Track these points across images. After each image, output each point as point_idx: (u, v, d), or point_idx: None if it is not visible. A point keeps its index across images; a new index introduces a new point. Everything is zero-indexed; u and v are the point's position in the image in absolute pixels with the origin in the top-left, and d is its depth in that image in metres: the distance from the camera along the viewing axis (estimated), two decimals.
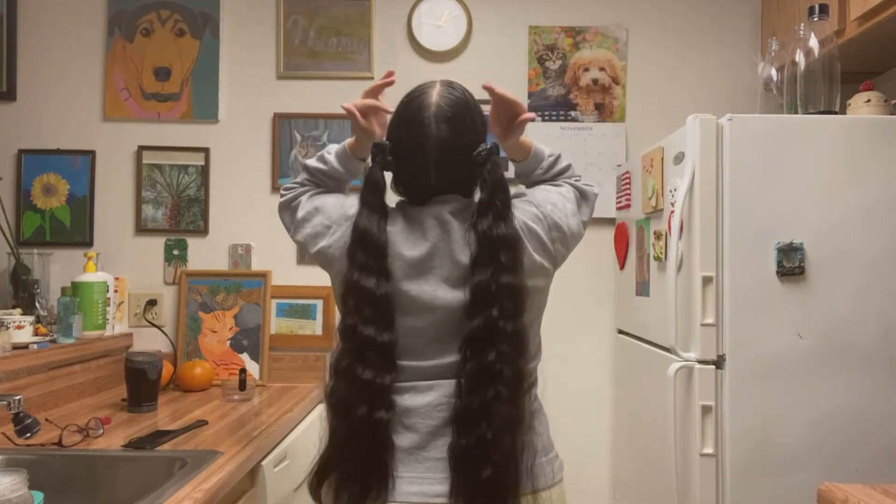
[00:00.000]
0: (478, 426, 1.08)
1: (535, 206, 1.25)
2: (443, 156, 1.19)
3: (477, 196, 1.20)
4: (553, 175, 1.35)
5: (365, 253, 1.15)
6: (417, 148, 1.19)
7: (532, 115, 1.31)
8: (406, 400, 1.15)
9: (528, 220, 1.22)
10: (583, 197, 1.33)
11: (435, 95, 1.21)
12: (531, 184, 1.37)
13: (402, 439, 1.14)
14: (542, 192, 1.30)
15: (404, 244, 1.17)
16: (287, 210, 1.31)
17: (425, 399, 1.15)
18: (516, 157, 1.35)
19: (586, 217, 1.33)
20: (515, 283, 1.13)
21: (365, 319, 1.13)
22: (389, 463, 1.11)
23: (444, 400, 1.14)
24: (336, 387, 1.14)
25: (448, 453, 1.11)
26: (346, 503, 1.10)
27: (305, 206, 1.28)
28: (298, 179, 1.33)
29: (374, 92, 1.30)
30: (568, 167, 1.37)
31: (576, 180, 1.35)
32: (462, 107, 1.21)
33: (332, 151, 1.32)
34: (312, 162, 1.32)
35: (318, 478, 1.15)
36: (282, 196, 1.33)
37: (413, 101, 1.22)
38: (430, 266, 1.17)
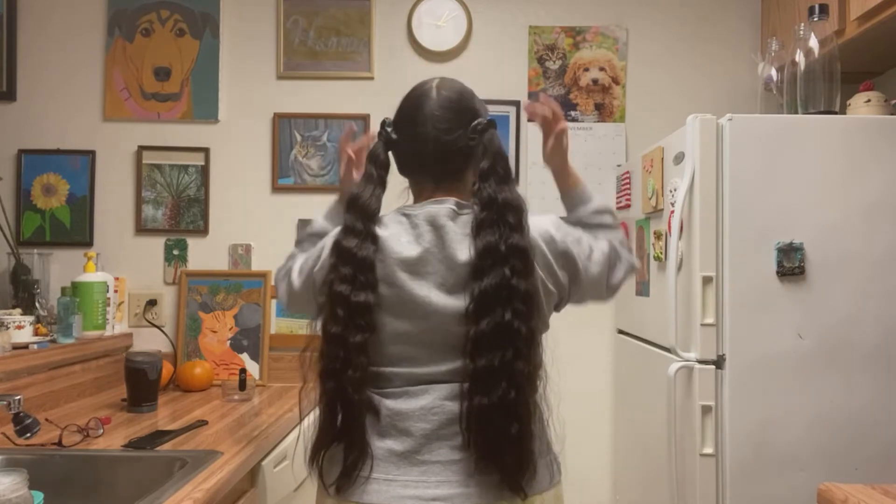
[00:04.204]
0: (498, 385, 1.08)
1: (553, 228, 1.21)
2: (441, 150, 1.20)
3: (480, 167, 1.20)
4: (595, 224, 1.30)
5: (354, 218, 1.17)
6: (418, 143, 1.21)
7: (563, 124, 1.31)
8: (399, 404, 1.15)
9: (536, 234, 1.19)
10: (617, 256, 1.27)
11: (433, 91, 1.22)
12: (572, 220, 1.32)
13: (397, 443, 1.13)
14: (573, 227, 1.27)
15: (397, 244, 1.17)
16: (284, 278, 1.32)
17: (419, 403, 1.14)
18: (561, 183, 1.34)
19: (616, 280, 1.26)
20: (523, 245, 1.12)
21: (343, 278, 1.13)
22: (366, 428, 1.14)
23: (438, 403, 1.13)
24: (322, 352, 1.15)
25: (465, 414, 1.10)
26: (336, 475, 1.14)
27: (298, 259, 1.31)
28: (290, 254, 1.36)
29: (346, 142, 1.36)
30: (614, 227, 1.31)
31: (620, 242, 1.30)
32: (458, 100, 1.23)
33: (318, 220, 1.36)
34: (303, 235, 1.36)
35: (314, 450, 1.17)
36: (275, 276, 1.36)
37: (412, 98, 1.24)
38: (423, 271, 1.15)
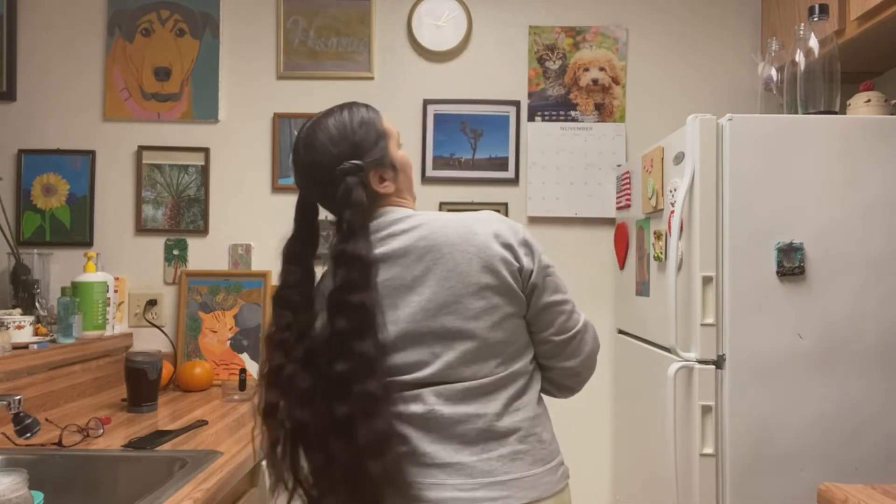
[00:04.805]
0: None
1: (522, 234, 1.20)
2: (307, 179, 1.21)
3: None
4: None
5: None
6: (296, 174, 1.23)
7: None
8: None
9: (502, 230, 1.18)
10: (586, 330, 1.24)
11: (304, 128, 1.21)
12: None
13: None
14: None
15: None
16: None
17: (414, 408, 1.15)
18: None
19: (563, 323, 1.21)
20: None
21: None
22: None
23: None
24: None
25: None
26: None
27: None
28: None
29: None
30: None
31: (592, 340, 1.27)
32: (329, 127, 1.19)
33: None
34: None
35: None
36: None
37: (299, 132, 1.24)
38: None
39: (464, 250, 1.12)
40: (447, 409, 1.11)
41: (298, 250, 1.23)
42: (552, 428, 1.20)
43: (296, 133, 2.50)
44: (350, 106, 1.21)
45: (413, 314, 1.12)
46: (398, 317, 1.12)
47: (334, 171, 1.16)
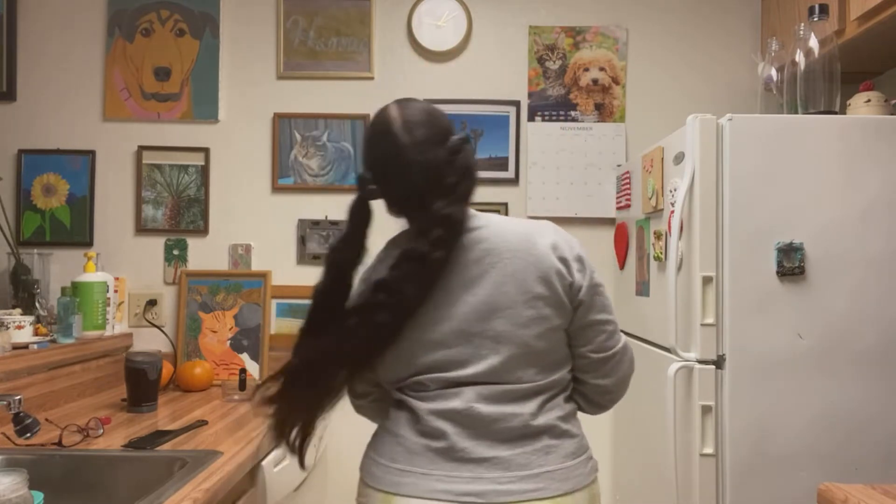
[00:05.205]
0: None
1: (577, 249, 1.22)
2: (420, 158, 1.16)
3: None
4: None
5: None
6: (391, 159, 1.17)
7: None
8: (436, 405, 1.15)
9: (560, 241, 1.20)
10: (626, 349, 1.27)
11: (394, 111, 1.20)
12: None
13: (434, 440, 1.14)
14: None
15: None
16: None
17: (452, 404, 1.15)
18: None
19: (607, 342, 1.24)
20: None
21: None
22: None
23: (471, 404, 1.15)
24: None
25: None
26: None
27: None
28: None
29: None
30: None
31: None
32: (424, 111, 1.20)
33: None
34: None
35: None
36: None
37: (376, 125, 1.21)
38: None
39: (522, 258, 1.15)
40: (486, 409, 1.13)
41: (347, 257, 1.19)
42: (580, 424, 1.24)
43: (297, 134, 2.51)
44: (409, 99, 1.25)
45: (466, 313, 1.14)
46: (452, 313, 1.14)
47: (445, 145, 1.17)
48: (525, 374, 1.15)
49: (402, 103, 1.22)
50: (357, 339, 1.14)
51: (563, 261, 1.17)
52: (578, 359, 1.22)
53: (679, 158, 1.82)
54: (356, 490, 1.26)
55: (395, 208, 1.23)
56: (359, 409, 1.33)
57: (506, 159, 2.52)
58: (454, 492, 1.09)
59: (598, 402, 1.28)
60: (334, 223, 2.51)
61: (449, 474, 1.11)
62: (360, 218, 1.19)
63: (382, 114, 1.22)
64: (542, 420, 1.14)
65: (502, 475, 1.10)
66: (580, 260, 1.19)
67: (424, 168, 1.16)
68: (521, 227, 1.19)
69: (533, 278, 1.14)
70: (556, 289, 1.15)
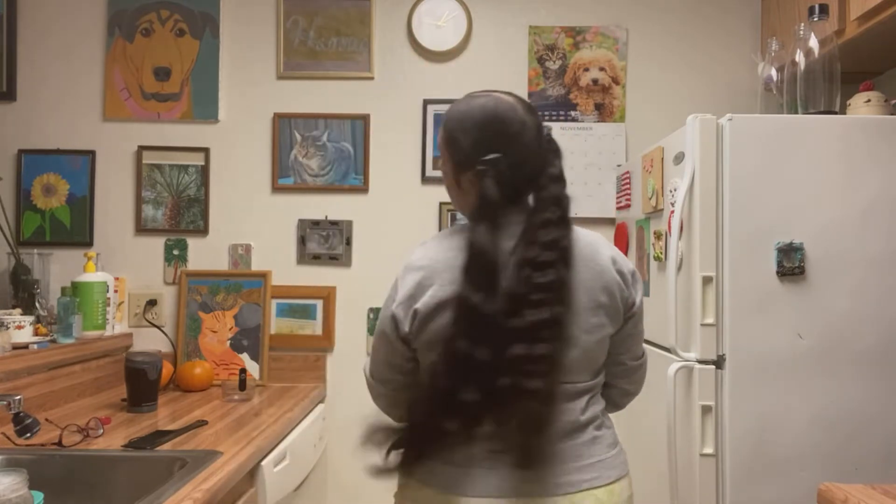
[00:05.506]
0: None
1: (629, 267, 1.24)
2: (536, 142, 1.19)
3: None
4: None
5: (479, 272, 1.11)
6: (514, 137, 1.16)
7: None
8: None
9: (617, 258, 1.22)
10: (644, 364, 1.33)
11: (505, 96, 1.20)
12: None
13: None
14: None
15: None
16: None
17: None
18: None
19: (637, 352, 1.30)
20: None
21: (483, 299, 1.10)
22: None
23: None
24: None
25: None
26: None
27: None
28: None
29: None
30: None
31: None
32: (526, 107, 1.22)
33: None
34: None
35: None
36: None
37: (487, 108, 1.18)
38: None
39: (591, 267, 1.17)
40: None
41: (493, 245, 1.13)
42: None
43: (297, 134, 2.51)
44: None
45: None
46: None
47: (541, 137, 1.19)
48: (581, 375, 1.19)
49: (493, 92, 1.21)
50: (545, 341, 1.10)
51: (622, 274, 1.20)
52: (615, 366, 1.27)
53: (679, 158, 1.82)
54: (395, 490, 1.23)
55: (503, 192, 1.16)
56: (377, 398, 1.28)
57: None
58: (515, 489, 1.11)
59: (618, 402, 1.34)
60: (334, 223, 2.51)
61: (510, 472, 1.13)
62: (489, 201, 1.14)
63: (490, 97, 1.19)
64: (587, 414, 1.19)
65: (559, 467, 1.13)
66: (634, 275, 1.24)
67: (539, 153, 1.19)
68: (586, 236, 1.21)
69: (598, 287, 1.17)
70: (616, 300, 1.19)
